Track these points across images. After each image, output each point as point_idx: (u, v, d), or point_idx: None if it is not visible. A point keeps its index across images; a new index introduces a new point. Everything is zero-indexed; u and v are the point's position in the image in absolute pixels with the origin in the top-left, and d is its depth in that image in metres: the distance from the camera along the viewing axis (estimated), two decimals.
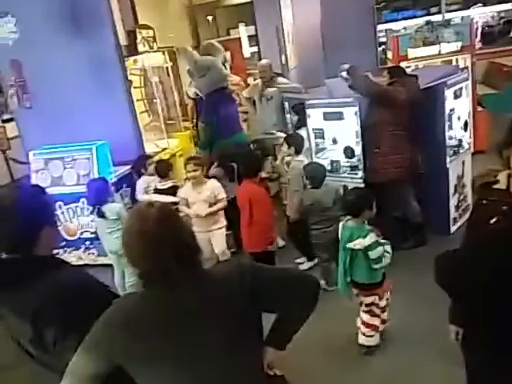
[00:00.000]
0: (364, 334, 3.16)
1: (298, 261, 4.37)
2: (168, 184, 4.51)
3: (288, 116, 5.53)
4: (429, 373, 2.92)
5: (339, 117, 4.18)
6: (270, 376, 1.65)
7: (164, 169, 4.53)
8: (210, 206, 4.07)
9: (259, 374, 1.59)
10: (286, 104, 5.44)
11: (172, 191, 4.39)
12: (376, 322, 3.14)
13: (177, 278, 1.39)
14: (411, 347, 3.13)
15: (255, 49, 9.29)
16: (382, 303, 3.15)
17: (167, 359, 1.40)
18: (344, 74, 3.95)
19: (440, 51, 6.16)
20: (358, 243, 2.99)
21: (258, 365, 1.59)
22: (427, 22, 6.35)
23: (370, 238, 2.99)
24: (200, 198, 4.09)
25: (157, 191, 4.48)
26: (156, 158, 5.21)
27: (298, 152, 4.29)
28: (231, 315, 1.45)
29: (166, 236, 1.40)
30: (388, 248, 3.04)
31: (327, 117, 4.29)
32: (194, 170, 4.04)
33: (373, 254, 2.98)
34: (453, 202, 4.46)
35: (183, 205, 4.12)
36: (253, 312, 1.51)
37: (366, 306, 3.14)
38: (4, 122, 8.02)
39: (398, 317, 3.36)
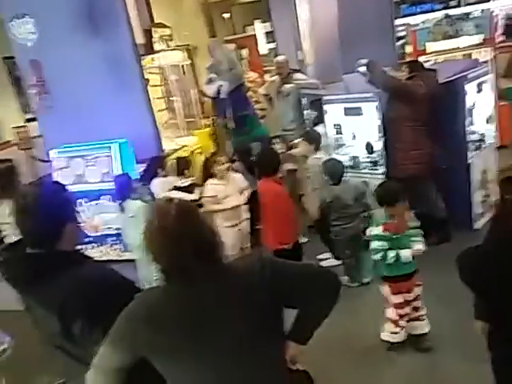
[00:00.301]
0: (388, 330, 3.13)
1: (320, 257, 4.36)
2: (187, 182, 4.53)
3: (305, 112, 5.51)
4: (454, 371, 2.89)
5: (358, 112, 4.16)
6: (292, 370, 1.66)
7: (182, 166, 4.54)
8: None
9: (281, 368, 1.60)
10: (304, 100, 5.42)
11: (191, 189, 4.41)
12: (399, 318, 3.10)
13: (196, 273, 1.41)
14: (436, 345, 3.09)
15: (272, 45, 9.26)
16: (409, 297, 3.08)
17: (189, 352, 1.42)
18: (362, 69, 3.92)
19: (460, 45, 6.06)
20: (369, 231, 3.06)
21: (280, 359, 1.60)
22: (446, 16, 6.26)
23: (376, 231, 3.00)
24: (231, 191, 4.12)
25: (176, 189, 4.50)
26: (174, 156, 5.22)
27: (316, 149, 4.26)
28: (252, 309, 1.46)
29: (186, 232, 1.42)
30: (394, 252, 2.99)
31: (346, 112, 4.27)
32: (223, 164, 4.08)
33: (371, 245, 3.03)
34: (476, 197, 4.38)
35: (213, 203, 4.08)
36: (274, 306, 1.52)
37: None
38: (27, 121, 8.16)
39: None
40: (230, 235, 4.05)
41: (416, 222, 3.07)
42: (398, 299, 3.05)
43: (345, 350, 3.21)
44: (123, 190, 3.94)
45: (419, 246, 3.02)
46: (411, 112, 3.93)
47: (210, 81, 5.35)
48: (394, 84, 3.92)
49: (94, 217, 4.99)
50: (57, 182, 1.75)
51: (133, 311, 1.45)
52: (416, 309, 3.11)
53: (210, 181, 4.10)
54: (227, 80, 5.30)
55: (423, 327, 3.11)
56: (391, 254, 2.99)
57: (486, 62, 5.71)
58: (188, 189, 4.46)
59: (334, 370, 3.01)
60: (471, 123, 4.21)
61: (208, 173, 4.15)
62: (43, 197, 1.62)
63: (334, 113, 4.36)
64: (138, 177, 4.95)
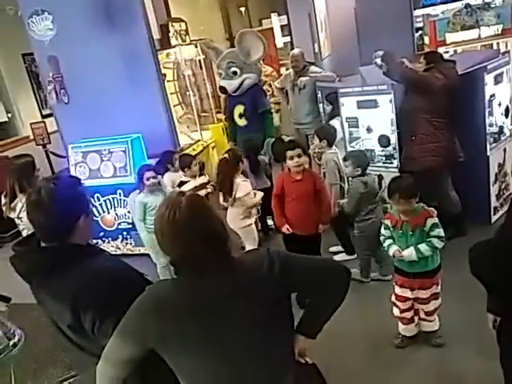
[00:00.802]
0: (402, 322, 3.09)
1: (332, 249, 4.32)
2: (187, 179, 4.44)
3: (321, 105, 5.46)
4: (467, 367, 2.83)
5: (374, 105, 4.11)
6: (301, 364, 1.66)
7: (184, 163, 4.47)
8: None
9: (290, 360, 1.61)
10: (319, 93, 5.37)
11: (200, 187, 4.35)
12: (400, 311, 3.04)
13: (206, 265, 1.43)
14: (451, 341, 3.04)
15: (288, 39, 9.20)
16: (410, 295, 3.01)
17: (199, 344, 1.43)
18: (378, 60, 3.86)
19: (480, 35, 5.94)
20: None
21: (289, 351, 1.61)
22: (466, 6, 6.12)
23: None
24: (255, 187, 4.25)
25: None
26: (188, 151, 5.19)
27: (330, 144, 4.20)
28: (261, 302, 1.47)
29: (196, 224, 1.43)
30: (392, 248, 2.95)
31: (361, 105, 4.21)
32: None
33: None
34: (493, 191, 4.30)
35: (251, 197, 4.09)
36: (282, 300, 1.53)
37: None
38: (44, 117, 8.28)
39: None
40: (255, 231, 4.19)
41: (438, 229, 2.92)
42: (400, 291, 3.01)
43: (358, 345, 3.18)
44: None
45: (408, 251, 2.89)
46: (428, 104, 3.85)
47: (235, 74, 4.96)
48: (410, 75, 3.84)
49: (109, 211, 5.04)
50: (72, 176, 1.77)
51: (143, 303, 1.46)
52: (417, 311, 3.06)
53: (238, 179, 4.03)
54: (255, 72, 5.04)
55: (432, 326, 3.06)
56: (390, 247, 2.96)
57: (506, 52, 5.58)
58: (198, 188, 4.35)
59: (348, 365, 2.99)
60: (491, 114, 4.11)
61: (229, 173, 4.06)
62: (57, 191, 1.63)
63: (349, 106, 4.30)
64: None
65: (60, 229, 1.64)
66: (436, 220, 2.91)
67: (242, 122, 5.12)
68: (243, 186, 4.01)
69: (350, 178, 3.83)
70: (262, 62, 8.48)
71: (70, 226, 1.65)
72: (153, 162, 5.15)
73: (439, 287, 3.00)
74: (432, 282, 2.97)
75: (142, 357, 1.48)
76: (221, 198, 4.09)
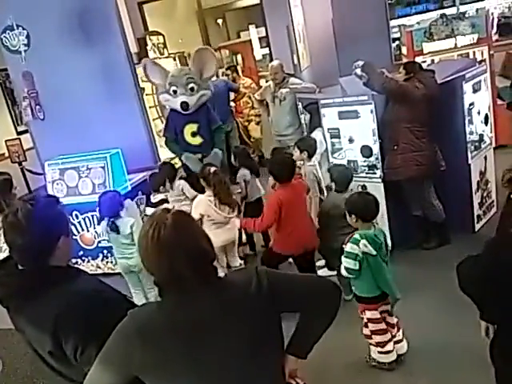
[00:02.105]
0: (379, 352, 2.99)
1: (318, 264, 4.27)
2: (160, 197, 4.40)
3: (302, 116, 5.45)
4: (460, 379, 2.79)
5: (355, 115, 4.09)
6: None
7: (157, 182, 4.42)
8: None
9: (280, 382, 1.56)
10: (300, 105, 5.36)
11: (161, 204, 4.28)
12: (381, 338, 2.95)
13: (191, 285, 1.38)
14: (437, 352, 2.99)
15: (266, 50, 9.24)
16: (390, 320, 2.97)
17: (185, 369, 1.37)
18: (358, 71, 3.86)
19: (456, 44, 6.03)
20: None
21: (279, 373, 1.56)
22: (442, 16, 6.22)
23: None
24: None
25: (150, 205, 4.47)
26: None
27: (310, 156, 4.17)
28: (249, 323, 1.41)
29: (181, 242, 1.38)
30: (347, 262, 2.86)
31: (342, 116, 4.20)
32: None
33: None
34: (476, 199, 4.32)
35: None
36: (272, 320, 1.48)
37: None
38: (19, 133, 8.12)
39: (421, 318, 3.26)
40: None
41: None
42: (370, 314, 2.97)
43: (345, 365, 3.10)
44: (112, 206, 3.81)
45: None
46: (409, 113, 3.87)
47: (192, 90, 4.65)
48: (391, 86, 3.85)
49: (89, 229, 4.91)
50: (49, 196, 1.70)
51: (125, 330, 1.39)
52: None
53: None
54: (209, 89, 4.82)
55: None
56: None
57: (483, 60, 5.67)
58: (158, 204, 4.30)
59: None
60: (471, 123, 4.14)
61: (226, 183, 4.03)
62: (34, 212, 1.57)
63: (331, 116, 4.29)
64: (130, 189, 4.90)
65: (38, 251, 1.58)
66: None
67: (195, 141, 4.78)
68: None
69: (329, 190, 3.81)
70: (241, 73, 8.47)
71: (50, 248, 1.60)
72: (133, 177, 5.11)
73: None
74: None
75: None
76: (225, 211, 3.96)
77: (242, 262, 4.37)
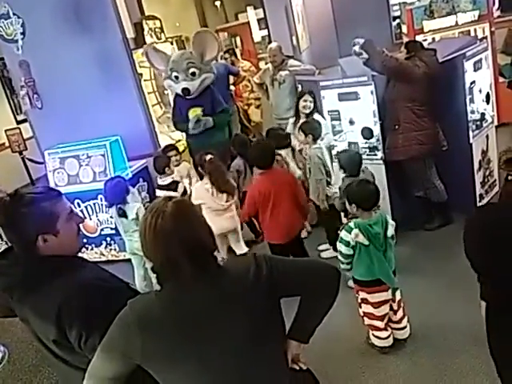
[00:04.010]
0: (374, 336, 3.00)
1: (321, 248, 4.28)
2: (168, 180, 4.40)
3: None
4: (462, 359, 2.80)
5: (355, 97, 4.05)
6: (296, 370, 1.62)
7: (161, 164, 4.40)
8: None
9: (283, 368, 1.57)
10: (300, 87, 5.31)
11: (173, 186, 4.30)
12: (371, 322, 2.96)
13: (189, 274, 1.38)
14: (439, 334, 3.00)
15: (265, 32, 9.13)
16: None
17: (186, 357, 1.38)
18: (357, 48, 3.79)
19: (457, 22, 5.94)
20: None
21: (281, 358, 1.57)
22: None
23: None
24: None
25: (159, 187, 4.42)
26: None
27: (315, 139, 4.13)
28: (249, 311, 1.42)
29: (177, 231, 1.38)
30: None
31: (342, 97, 4.15)
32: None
33: None
34: (478, 178, 4.30)
35: None
36: (272, 305, 1.49)
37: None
38: (19, 122, 8.09)
39: (424, 299, 3.27)
40: None
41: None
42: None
43: (348, 348, 3.10)
44: (117, 193, 3.82)
45: None
46: (410, 92, 3.83)
47: (194, 75, 4.64)
48: (392, 64, 3.79)
49: (91, 217, 4.92)
50: (41, 191, 1.69)
51: (126, 319, 1.40)
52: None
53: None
54: (211, 72, 4.81)
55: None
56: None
57: (484, 38, 5.58)
58: (170, 187, 4.32)
59: (340, 368, 2.93)
60: (472, 101, 4.10)
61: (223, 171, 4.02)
62: (11, 209, 1.57)
63: (331, 98, 4.25)
64: (131, 176, 4.90)
65: (22, 246, 1.60)
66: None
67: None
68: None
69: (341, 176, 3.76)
70: (240, 56, 8.37)
71: (30, 245, 1.59)
72: (133, 163, 5.10)
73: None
74: None
75: (127, 373, 1.43)
76: (223, 199, 3.94)
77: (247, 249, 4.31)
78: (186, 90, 4.60)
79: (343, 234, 2.83)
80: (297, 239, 3.67)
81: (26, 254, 1.61)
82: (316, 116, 4.45)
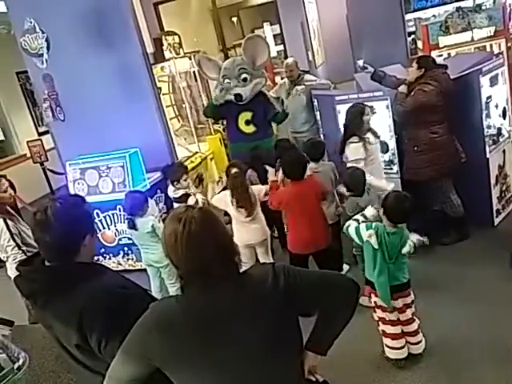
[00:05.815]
0: (387, 346, 2.99)
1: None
2: (180, 192, 4.37)
3: (318, 113, 5.45)
4: (476, 372, 2.77)
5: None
6: (312, 382, 1.62)
7: (178, 174, 4.38)
8: None
9: (299, 378, 1.57)
10: (315, 101, 5.36)
11: (184, 199, 4.28)
12: (389, 328, 2.95)
13: (216, 277, 1.42)
14: (455, 348, 2.97)
15: (281, 47, 9.25)
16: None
17: (202, 360, 1.40)
18: (361, 62, 3.88)
19: (473, 37, 5.97)
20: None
21: (298, 368, 1.57)
22: (457, 9, 6.16)
23: None
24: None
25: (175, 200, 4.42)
26: (187, 163, 5.12)
27: (318, 158, 4.06)
28: (266, 317, 1.44)
29: (210, 236, 1.43)
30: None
31: None
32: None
33: None
34: (495, 193, 4.29)
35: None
36: (289, 315, 1.50)
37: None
38: (40, 134, 8.27)
39: (439, 316, 3.24)
40: None
41: None
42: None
43: (364, 360, 3.09)
44: (134, 206, 3.87)
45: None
46: (428, 117, 3.85)
47: (245, 81, 4.74)
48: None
49: (110, 227, 5.00)
50: (76, 195, 1.77)
51: (146, 322, 1.44)
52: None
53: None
54: (263, 77, 4.86)
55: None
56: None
57: (500, 53, 5.60)
58: (181, 199, 4.32)
59: (353, 382, 2.91)
60: (488, 116, 4.11)
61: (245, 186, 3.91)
62: (63, 210, 1.63)
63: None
64: (149, 187, 4.97)
65: (66, 248, 1.63)
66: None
67: (249, 129, 4.89)
68: (258, 189, 3.90)
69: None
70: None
71: (76, 245, 1.66)
72: (151, 175, 5.18)
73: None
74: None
75: (145, 375, 1.46)
76: (243, 214, 3.84)
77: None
78: (238, 96, 4.70)
79: (362, 226, 2.86)
80: (323, 251, 3.59)
81: (64, 258, 1.64)
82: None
